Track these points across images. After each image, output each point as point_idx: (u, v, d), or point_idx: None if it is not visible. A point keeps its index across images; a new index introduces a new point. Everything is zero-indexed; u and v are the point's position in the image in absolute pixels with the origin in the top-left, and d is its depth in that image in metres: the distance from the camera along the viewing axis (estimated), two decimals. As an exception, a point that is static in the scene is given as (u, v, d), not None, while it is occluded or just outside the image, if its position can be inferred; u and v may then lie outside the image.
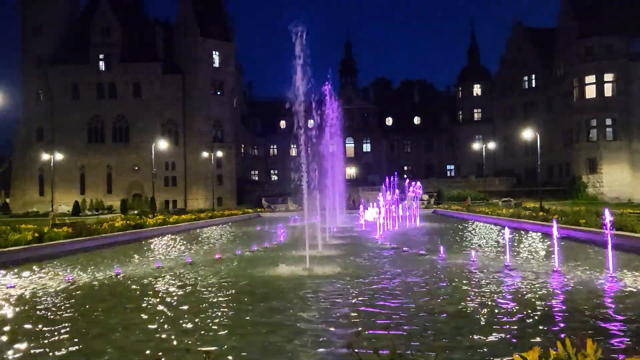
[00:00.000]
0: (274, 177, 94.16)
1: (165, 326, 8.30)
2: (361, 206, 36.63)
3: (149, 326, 8.30)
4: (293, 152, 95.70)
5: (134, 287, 12.17)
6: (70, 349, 7.16)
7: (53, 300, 10.59)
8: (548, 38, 73.26)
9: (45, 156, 66.32)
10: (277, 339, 7.37)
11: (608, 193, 61.25)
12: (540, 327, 7.70)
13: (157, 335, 7.78)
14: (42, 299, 10.78)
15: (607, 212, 12.36)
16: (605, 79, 63.96)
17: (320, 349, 6.85)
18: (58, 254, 18.47)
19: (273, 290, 11.16)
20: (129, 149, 75.49)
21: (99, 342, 7.45)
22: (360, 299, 10.07)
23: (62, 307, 9.92)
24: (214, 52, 75.30)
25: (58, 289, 11.87)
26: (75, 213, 60.89)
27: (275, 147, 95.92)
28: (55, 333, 7.97)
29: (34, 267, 15.46)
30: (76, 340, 7.60)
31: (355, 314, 8.79)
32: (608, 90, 63.93)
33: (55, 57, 75.88)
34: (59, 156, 64.75)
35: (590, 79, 64.54)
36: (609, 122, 64.19)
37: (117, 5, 76.84)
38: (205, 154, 71.16)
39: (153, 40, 76.74)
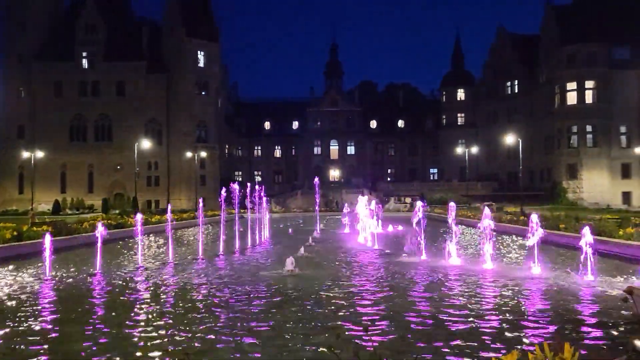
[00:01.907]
0: (258, 179, 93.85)
1: (144, 326, 8.23)
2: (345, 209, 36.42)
3: (127, 324, 8.23)
4: (277, 153, 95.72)
5: (112, 286, 12.06)
6: (45, 346, 7.07)
7: (29, 299, 10.45)
8: (531, 44, 73.95)
9: (25, 154, 65.33)
10: (258, 338, 7.34)
11: (588, 199, 62.00)
12: (518, 330, 7.77)
13: (136, 335, 7.71)
14: (19, 296, 10.63)
15: (587, 230, 12.49)
16: (587, 86, 64.72)
17: (302, 349, 6.84)
18: (37, 253, 18.20)
19: (255, 289, 11.13)
20: (112, 148, 74.66)
21: (75, 342, 7.36)
22: (342, 300, 10.09)
23: (39, 305, 9.79)
24: (199, 52, 74.82)
25: (35, 287, 11.73)
26: (55, 212, 60.03)
27: (259, 148, 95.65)
28: (30, 330, 7.87)
29: (12, 266, 15.27)
30: (51, 337, 7.51)
31: (337, 316, 8.80)
32: (589, 97, 64.71)
33: (38, 54, 74.82)
34: (39, 154, 63.81)
35: (572, 85, 65.28)
36: (589, 128, 64.97)
37: (102, 4, 76.04)
38: (188, 154, 70.70)
39: (138, 39, 76.05)
